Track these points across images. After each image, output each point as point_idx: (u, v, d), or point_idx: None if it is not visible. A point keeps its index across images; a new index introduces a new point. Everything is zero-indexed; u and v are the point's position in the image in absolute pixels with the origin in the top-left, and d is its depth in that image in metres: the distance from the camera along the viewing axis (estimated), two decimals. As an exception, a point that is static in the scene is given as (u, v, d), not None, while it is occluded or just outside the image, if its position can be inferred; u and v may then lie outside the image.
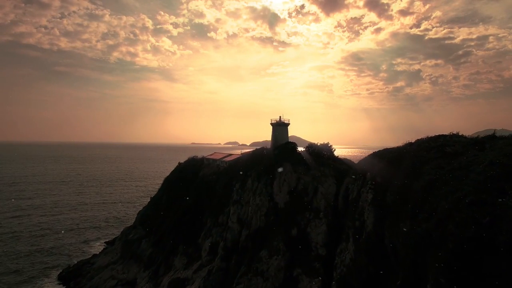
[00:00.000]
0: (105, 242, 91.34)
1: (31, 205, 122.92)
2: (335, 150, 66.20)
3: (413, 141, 45.31)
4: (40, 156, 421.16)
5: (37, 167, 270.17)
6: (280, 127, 54.34)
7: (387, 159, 40.74)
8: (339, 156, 66.13)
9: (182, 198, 62.42)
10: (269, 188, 46.84)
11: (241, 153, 73.07)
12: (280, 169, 47.34)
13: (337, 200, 46.14)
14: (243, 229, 46.47)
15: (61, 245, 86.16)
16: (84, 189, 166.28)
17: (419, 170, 35.71)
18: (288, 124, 55.38)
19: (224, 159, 63.72)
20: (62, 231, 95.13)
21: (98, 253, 78.02)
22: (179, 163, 75.54)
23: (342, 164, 55.58)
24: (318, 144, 67.30)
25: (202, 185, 59.90)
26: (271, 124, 55.13)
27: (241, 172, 51.58)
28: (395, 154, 40.44)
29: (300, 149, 60.90)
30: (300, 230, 43.84)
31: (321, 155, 61.55)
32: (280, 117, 55.10)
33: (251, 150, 70.60)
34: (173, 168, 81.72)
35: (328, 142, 66.95)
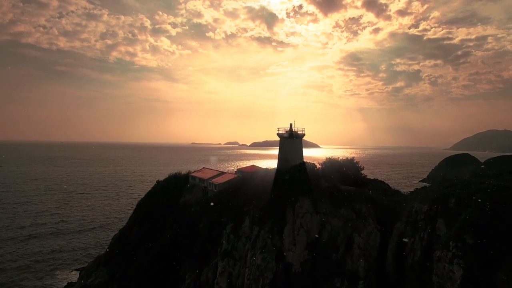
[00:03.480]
0: (76, 269, 75.22)
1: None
2: (363, 168, 49.31)
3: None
4: (36, 157, 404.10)
5: (27, 170, 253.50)
6: (291, 140, 37.38)
7: (483, 198, 24.00)
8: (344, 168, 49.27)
9: (156, 233, 45.78)
10: (276, 239, 30.08)
11: (237, 170, 56.22)
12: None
13: (383, 259, 29.40)
14: (236, 303, 29.77)
15: (19, 279, 69.62)
16: (70, 200, 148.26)
17: None
18: (302, 136, 38.38)
19: (213, 180, 47.04)
20: (27, 261, 78.25)
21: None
22: (158, 182, 58.69)
23: (384, 195, 38.71)
24: (339, 159, 50.51)
25: (181, 219, 43.17)
26: (278, 135, 38.29)
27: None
28: (500, 190, 23.64)
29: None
30: (327, 311, 27.10)
31: (346, 176, 44.76)
32: (291, 125, 38.16)
33: (250, 168, 53.78)
34: (157, 182, 65.16)
35: (353, 157, 50.00)
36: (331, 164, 48.09)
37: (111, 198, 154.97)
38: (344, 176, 44.92)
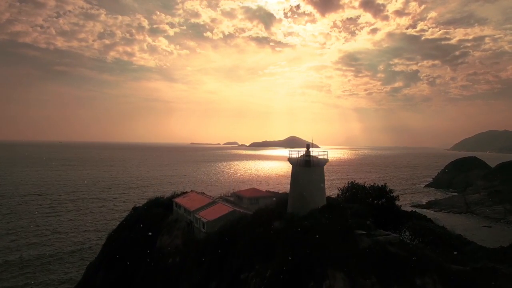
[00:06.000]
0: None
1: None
2: (394, 194, 37.72)
3: None
4: (31, 158, 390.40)
5: (18, 172, 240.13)
6: (309, 169, 25.95)
7: None
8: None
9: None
10: None
11: (233, 193, 44.88)
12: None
13: None
14: None
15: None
16: (58, 210, 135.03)
17: None
18: (324, 163, 26.82)
19: (201, 213, 35.66)
20: None
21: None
22: (134, 209, 47.14)
23: (432, 238, 27.40)
24: (365, 184, 39.11)
25: (156, 273, 31.72)
26: (290, 161, 26.82)
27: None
28: None
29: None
30: None
31: (376, 209, 33.46)
32: (307, 146, 26.70)
33: (250, 192, 42.30)
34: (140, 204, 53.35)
35: (385, 184, 38.52)
36: (355, 192, 36.90)
37: (103, 207, 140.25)
38: (374, 209, 33.88)
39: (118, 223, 57.66)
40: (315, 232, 22.18)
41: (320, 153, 26.47)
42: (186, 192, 48.66)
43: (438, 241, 29.13)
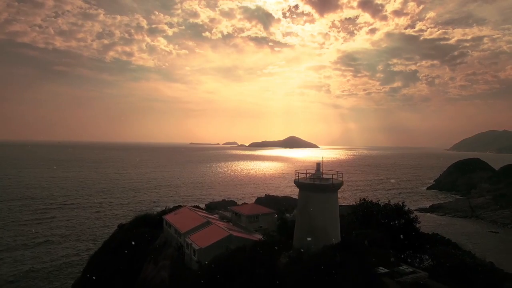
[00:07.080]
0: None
1: None
2: (417, 220, 32.90)
3: None
4: (30, 158, 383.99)
5: (14, 173, 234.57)
6: (322, 195, 21.38)
7: None
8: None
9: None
10: None
11: (230, 209, 40.18)
12: None
13: None
14: None
15: None
16: (53, 212, 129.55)
17: None
18: (339, 186, 22.21)
19: (193, 237, 31.02)
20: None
21: None
22: (120, 227, 42.57)
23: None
24: (380, 203, 34.39)
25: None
26: (298, 184, 22.25)
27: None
28: None
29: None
30: None
31: (393, 231, 28.84)
32: (318, 165, 22.00)
33: (249, 209, 37.71)
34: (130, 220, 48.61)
35: (403, 203, 33.83)
36: (367, 211, 32.34)
37: (98, 213, 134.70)
38: (391, 232, 29.45)
39: (115, 229, 52.49)
40: (330, 275, 17.67)
41: (334, 175, 21.85)
42: (180, 206, 44.14)
43: (469, 273, 24.76)
